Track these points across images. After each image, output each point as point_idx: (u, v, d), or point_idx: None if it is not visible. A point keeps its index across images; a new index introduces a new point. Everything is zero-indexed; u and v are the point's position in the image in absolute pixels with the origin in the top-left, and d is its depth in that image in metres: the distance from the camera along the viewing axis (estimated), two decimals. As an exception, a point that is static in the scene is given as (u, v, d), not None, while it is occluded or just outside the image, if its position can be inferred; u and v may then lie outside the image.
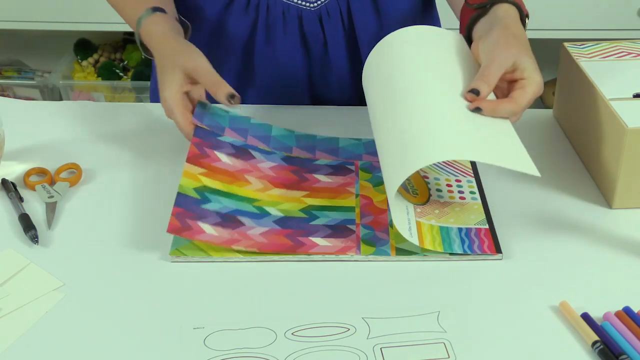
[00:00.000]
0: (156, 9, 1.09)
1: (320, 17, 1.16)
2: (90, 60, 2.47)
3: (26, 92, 2.46)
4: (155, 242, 0.93)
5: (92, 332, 0.81)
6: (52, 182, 1.04)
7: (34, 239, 0.93)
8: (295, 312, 0.83)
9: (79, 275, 0.88)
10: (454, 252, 0.90)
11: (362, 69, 1.21)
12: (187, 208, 0.92)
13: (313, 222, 0.94)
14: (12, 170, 1.06)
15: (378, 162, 0.99)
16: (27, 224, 0.95)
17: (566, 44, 1.14)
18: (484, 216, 0.96)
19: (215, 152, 1.00)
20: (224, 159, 1.00)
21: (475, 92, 0.91)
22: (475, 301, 0.85)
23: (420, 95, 0.93)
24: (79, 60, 2.48)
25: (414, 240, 0.89)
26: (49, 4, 2.19)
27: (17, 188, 1.02)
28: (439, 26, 1.27)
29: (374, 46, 1.12)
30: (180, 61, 1.03)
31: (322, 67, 1.21)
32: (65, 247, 0.93)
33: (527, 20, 1.02)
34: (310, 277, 0.88)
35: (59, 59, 2.48)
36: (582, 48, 1.13)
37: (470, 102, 0.91)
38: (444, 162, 1.05)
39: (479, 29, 1.00)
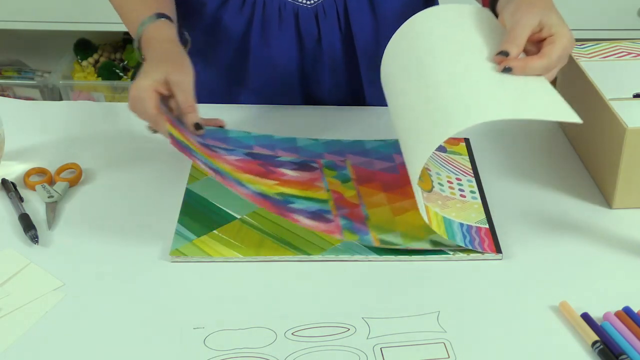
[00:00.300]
0: (162, 16, 1.08)
1: (316, 14, 1.16)
2: (90, 60, 2.47)
3: (26, 92, 2.46)
4: (155, 242, 0.93)
5: (92, 332, 0.81)
6: (52, 182, 1.03)
7: (34, 239, 0.93)
8: (295, 312, 0.83)
9: (79, 275, 0.88)
10: (456, 242, 0.90)
11: (358, 70, 1.21)
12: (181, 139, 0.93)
13: (290, 205, 0.94)
14: (12, 170, 1.06)
15: (341, 161, 1.02)
16: (27, 224, 0.95)
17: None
18: (484, 216, 0.96)
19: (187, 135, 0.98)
20: (195, 142, 0.98)
21: (504, 53, 0.89)
22: (475, 301, 0.85)
23: (448, 65, 0.92)
24: (79, 60, 2.48)
25: (423, 212, 0.88)
26: (49, 4, 2.19)
27: (17, 188, 1.02)
28: None
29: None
30: (169, 68, 0.99)
31: (316, 65, 1.21)
32: (65, 247, 0.93)
33: None
34: (310, 277, 0.88)
35: (59, 59, 2.48)
36: (582, 48, 1.13)
37: (499, 63, 0.89)
38: (444, 159, 1.05)
39: (502, 2, 0.98)
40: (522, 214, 0.98)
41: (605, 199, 1.00)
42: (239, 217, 0.96)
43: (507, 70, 0.88)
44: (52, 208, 0.98)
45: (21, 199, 1.00)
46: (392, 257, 0.90)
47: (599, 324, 0.80)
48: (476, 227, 0.93)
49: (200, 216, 0.96)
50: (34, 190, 1.02)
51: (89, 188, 1.03)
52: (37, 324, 0.82)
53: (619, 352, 0.76)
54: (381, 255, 0.90)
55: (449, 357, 0.77)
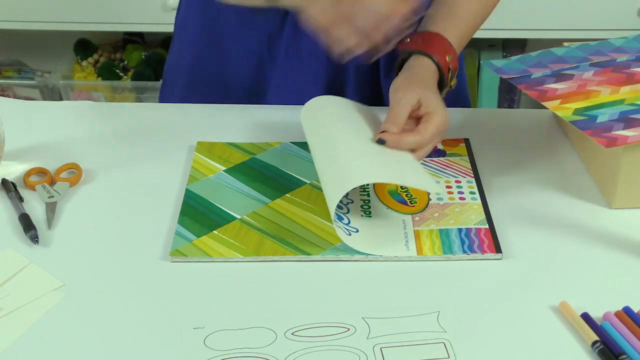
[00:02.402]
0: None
1: None
2: (90, 60, 2.47)
3: (26, 92, 2.46)
4: (155, 242, 0.93)
5: (92, 332, 0.81)
6: (52, 182, 1.04)
7: (34, 239, 0.93)
8: (295, 312, 0.83)
9: (79, 275, 0.88)
10: (454, 253, 0.90)
11: (377, 69, 1.21)
12: None
13: None
14: (12, 170, 1.06)
15: None
16: (27, 224, 0.95)
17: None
18: (484, 216, 0.96)
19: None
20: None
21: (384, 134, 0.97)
22: (475, 301, 0.85)
23: (343, 141, 0.98)
24: (79, 60, 2.48)
25: (412, 252, 0.90)
26: (49, 4, 2.19)
27: (17, 188, 1.02)
28: None
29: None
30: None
31: (342, 66, 1.21)
32: (65, 247, 0.93)
33: (449, 74, 1.06)
34: (310, 277, 0.88)
35: (59, 59, 2.48)
36: (582, 48, 1.13)
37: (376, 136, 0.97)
38: (442, 164, 1.05)
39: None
40: (522, 214, 0.98)
41: (605, 199, 1.00)
42: (239, 217, 0.96)
43: (381, 142, 0.96)
44: (52, 208, 0.98)
45: (21, 199, 1.00)
46: (392, 257, 0.90)
47: (599, 324, 0.80)
48: (475, 228, 0.94)
49: (200, 216, 0.96)
50: (34, 190, 1.02)
51: (89, 188, 1.03)
52: (37, 324, 0.82)
53: (619, 352, 0.76)
54: (381, 255, 0.90)
55: (449, 357, 0.77)
